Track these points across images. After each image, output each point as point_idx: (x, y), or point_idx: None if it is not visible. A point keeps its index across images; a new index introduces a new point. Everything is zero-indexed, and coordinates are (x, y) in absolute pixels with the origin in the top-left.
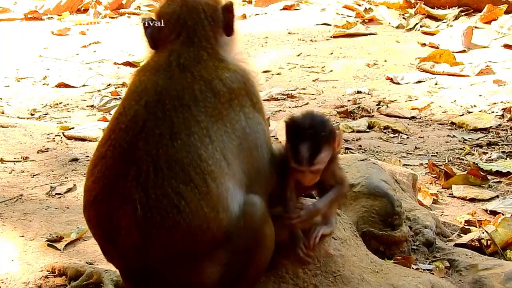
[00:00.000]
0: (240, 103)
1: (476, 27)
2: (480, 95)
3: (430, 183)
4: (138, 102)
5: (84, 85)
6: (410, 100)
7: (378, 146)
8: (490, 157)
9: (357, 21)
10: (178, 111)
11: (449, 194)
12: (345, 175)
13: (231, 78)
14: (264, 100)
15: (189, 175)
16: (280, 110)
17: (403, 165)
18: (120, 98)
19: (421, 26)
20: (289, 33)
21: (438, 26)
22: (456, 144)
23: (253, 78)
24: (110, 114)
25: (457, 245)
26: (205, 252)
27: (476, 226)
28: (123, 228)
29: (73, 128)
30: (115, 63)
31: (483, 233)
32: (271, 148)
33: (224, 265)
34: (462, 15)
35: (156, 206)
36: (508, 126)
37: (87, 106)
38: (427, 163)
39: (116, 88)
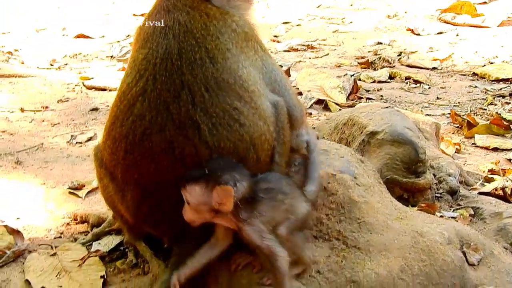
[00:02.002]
0: (253, 46)
1: None
2: (502, 46)
3: (453, 133)
4: (165, 37)
5: (103, 36)
6: (431, 51)
7: (400, 96)
8: None
9: None
10: (208, 39)
11: (472, 143)
12: (278, 251)
13: (240, 23)
14: (284, 50)
15: (238, 93)
16: (300, 61)
17: (425, 115)
18: None
19: None
20: None
21: None
22: (478, 94)
23: (258, 29)
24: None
25: (481, 193)
26: (265, 162)
27: (499, 175)
28: (186, 154)
29: (93, 78)
30: (134, 15)
31: (507, 181)
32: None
33: None
34: None
35: (220, 123)
36: None
37: (106, 56)
38: (449, 113)
39: None
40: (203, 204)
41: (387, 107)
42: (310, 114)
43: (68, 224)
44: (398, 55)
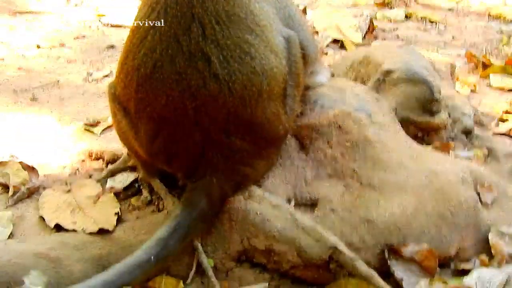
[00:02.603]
0: None
1: None
2: None
3: (468, 73)
4: None
5: None
6: None
7: (416, 36)
8: None
9: None
10: None
11: (487, 84)
12: None
13: None
14: None
15: (249, 26)
16: (317, 0)
17: (441, 55)
18: None
19: None
20: None
21: None
22: (494, 35)
23: None
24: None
25: (495, 134)
26: (278, 95)
27: None
28: (194, 86)
29: (109, 15)
30: None
31: None
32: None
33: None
34: None
35: (231, 56)
36: None
37: None
38: (464, 54)
39: None
40: None
41: (403, 46)
42: (326, 53)
43: (83, 161)
44: None
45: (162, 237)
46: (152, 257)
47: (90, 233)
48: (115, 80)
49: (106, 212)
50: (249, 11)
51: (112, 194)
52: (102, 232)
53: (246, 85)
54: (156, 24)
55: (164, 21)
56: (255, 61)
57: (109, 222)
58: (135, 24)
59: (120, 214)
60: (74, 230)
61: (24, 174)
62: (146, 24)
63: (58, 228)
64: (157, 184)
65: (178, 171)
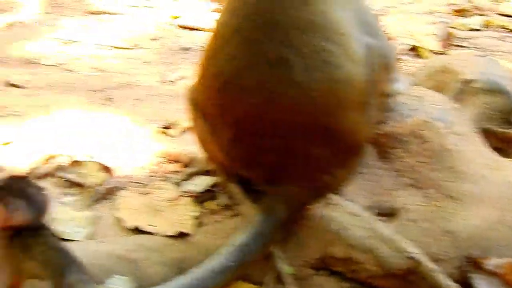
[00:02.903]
0: None
1: None
2: None
3: None
4: None
5: None
6: None
7: (494, 45)
8: None
9: None
10: None
11: None
12: None
13: None
14: None
15: (330, 35)
16: (391, 6)
17: None
18: None
19: None
20: None
21: None
22: None
23: None
24: (222, 5)
25: None
26: (358, 104)
27: None
28: (275, 93)
29: (184, 17)
30: None
31: None
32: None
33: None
34: None
35: (312, 63)
36: None
37: None
38: None
39: None
40: None
41: (482, 56)
42: (402, 60)
43: (159, 163)
44: (493, 3)
45: (241, 243)
46: (231, 263)
47: (168, 236)
48: (194, 85)
49: (184, 216)
50: (330, 19)
51: (190, 198)
52: (180, 235)
53: (326, 93)
54: (237, 31)
55: (246, 27)
56: (335, 69)
57: (187, 225)
58: (216, 29)
59: (198, 217)
60: (152, 233)
61: (101, 175)
62: (228, 30)
63: (136, 230)
64: (235, 189)
65: (256, 177)
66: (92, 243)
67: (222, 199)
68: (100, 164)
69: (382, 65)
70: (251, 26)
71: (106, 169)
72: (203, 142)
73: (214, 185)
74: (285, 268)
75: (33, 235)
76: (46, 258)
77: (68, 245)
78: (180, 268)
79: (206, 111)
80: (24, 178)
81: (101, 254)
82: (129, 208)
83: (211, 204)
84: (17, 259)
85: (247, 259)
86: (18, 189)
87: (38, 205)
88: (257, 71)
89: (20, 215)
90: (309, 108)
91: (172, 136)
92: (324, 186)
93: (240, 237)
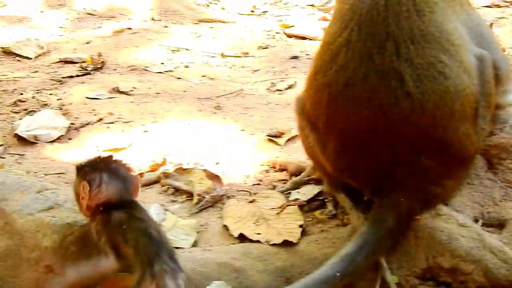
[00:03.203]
0: (459, 0)
1: None
2: None
3: None
4: None
5: None
6: None
7: None
8: None
9: None
10: None
11: None
12: None
13: None
14: (485, 6)
15: (443, 46)
16: (503, 17)
17: None
18: None
19: None
20: None
21: None
22: None
23: None
24: (330, 13)
25: None
26: (470, 115)
27: None
28: (386, 104)
29: (293, 26)
30: None
31: None
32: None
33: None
34: None
35: (424, 74)
36: None
37: (307, 5)
38: None
39: None
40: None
41: None
42: None
43: (266, 171)
44: None
45: (348, 253)
46: (338, 273)
47: (274, 245)
48: (303, 95)
49: (290, 224)
50: (443, 30)
51: (296, 206)
52: (286, 244)
53: (438, 105)
54: (348, 42)
55: (357, 39)
56: (448, 80)
57: (294, 234)
58: (326, 40)
59: (304, 226)
60: (257, 241)
61: (208, 182)
62: (339, 41)
63: (242, 238)
64: (342, 198)
65: (364, 187)
66: (198, 250)
67: (329, 208)
68: (207, 172)
69: (494, 76)
70: (363, 37)
71: (214, 177)
72: (311, 152)
73: (321, 194)
74: (391, 277)
75: (126, 219)
76: (138, 245)
77: (161, 230)
78: (285, 277)
79: (314, 121)
80: (109, 157)
81: (207, 261)
82: (236, 216)
83: (318, 213)
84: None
85: (353, 270)
86: (103, 166)
87: (123, 181)
88: (368, 82)
89: (104, 191)
90: (420, 119)
91: (279, 145)
92: (433, 196)
93: (346, 248)
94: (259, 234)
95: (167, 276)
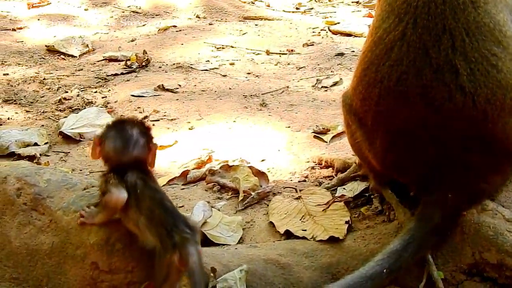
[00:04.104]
0: None
1: None
2: None
3: None
4: None
5: None
6: None
7: None
8: None
9: None
10: None
11: None
12: None
13: None
14: None
15: (497, 38)
16: None
17: None
18: None
19: None
20: None
21: None
22: None
23: None
24: (375, 10)
25: None
26: None
27: None
28: (439, 99)
29: (338, 23)
30: None
31: None
32: None
33: None
34: None
35: (478, 68)
36: None
37: (352, 2)
38: None
39: None
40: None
41: None
42: None
43: (312, 168)
44: None
45: (395, 249)
46: (385, 270)
47: (320, 241)
48: (351, 91)
49: (336, 221)
50: (496, 21)
51: (342, 203)
52: (332, 240)
53: (489, 99)
54: (403, 36)
55: (413, 32)
56: (500, 74)
57: (340, 230)
58: (378, 35)
59: (350, 222)
60: (303, 238)
61: (254, 179)
62: (393, 35)
63: (288, 234)
64: (388, 194)
65: (411, 183)
66: (244, 247)
67: (375, 204)
68: (253, 169)
69: None
70: (419, 31)
71: (260, 174)
72: (357, 148)
73: (367, 191)
74: (437, 273)
75: (141, 185)
76: (153, 215)
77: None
78: (331, 273)
79: (362, 117)
80: (132, 120)
81: (253, 258)
82: (281, 213)
83: (364, 210)
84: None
85: (400, 266)
86: (120, 127)
87: (133, 144)
88: (422, 77)
89: (112, 149)
90: (471, 114)
91: (325, 142)
92: (480, 192)
93: (393, 244)
94: (305, 230)
95: (188, 244)
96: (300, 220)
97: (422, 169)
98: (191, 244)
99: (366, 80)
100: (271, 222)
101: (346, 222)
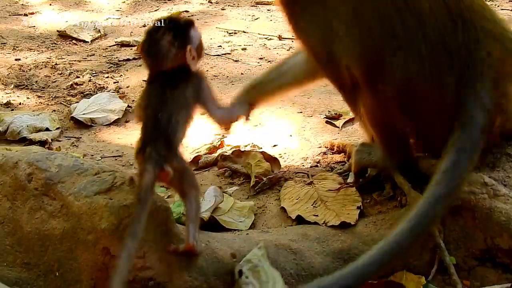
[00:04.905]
0: None
1: None
2: None
3: None
4: None
5: None
6: None
7: None
8: None
9: None
10: None
11: None
12: None
13: None
14: None
15: None
16: None
17: None
18: None
19: None
20: None
21: None
22: None
23: None
24: None
25: None
26: None
27: None
28: None
29: None
30: None
31: None
32: None
33: None
34: None
35: None
36: None
37: None
38: None
39: None
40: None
41: None
42: None
43: (324, 153)
44: None
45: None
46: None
47: (331, 226)
48: None
49: (348, 206)
50: None
51: (354, 188)
52: (343, 225)
53: None
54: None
55: None
56: None
57: (351, 215)
58: None
59: (362, 208)
60: (315, 223)
61: (266, 164)
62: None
63: (299, 220)
64: (400, 180)
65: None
66: (256, 232)
67: (386, 190)
68: (265, 154)
69: None
70: None
71: (272, 159)
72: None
73: (379, 176)
74: (449, 258)
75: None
76: (147, 117)
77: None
78: (343, 259)
79: None
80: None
81: (264, 244)
82: (293, 198)
83: (376, 195)
84: None
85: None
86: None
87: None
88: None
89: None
90: None
91: (337, 127)
92: None
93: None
94: (316, 215)
95: (149, 162)
96: (312, 205)
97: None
98: (152, 164)
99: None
100: (282, 208)
101: (358, 208)
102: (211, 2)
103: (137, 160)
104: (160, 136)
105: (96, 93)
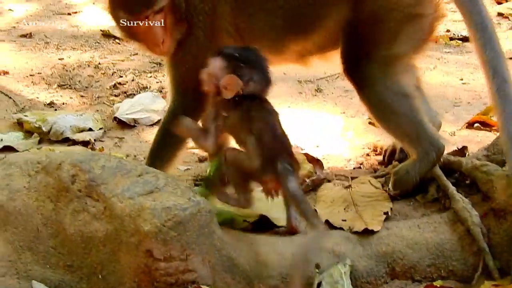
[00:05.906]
0: None
1: None
2: None
3: None
4: None
5: None
6: None
7: None
8: None
9: None
10: None
11: None
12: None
13: None
14: None
15: None
16: None
17: None
18: None
19: None
20: None
21: None
22: None
23: None
24: None
25: None
26: None
27: None
28: None
29: None
30: None
31: None
32: None
33: None
34: None
35: None
36: None
37: None
38: None
39: None
40: (215, 76)
41: None
42: None
43: (367, 155)
44: None
45: None
46: None
47: (355, 232)
48: None
49: (376, 212)
50: None
51: (386, 193)
52: (366, 232)
53: None
54: None
55: None
56: None
57: (376, 222)
58: None
59: (389, 214)
60: (340, 228)
61: (309, 166)
62: None
63: (328, 224)
64: (443, 182)
65: None
66: (298, 235)
67: (431, 192)
68: (308, 155)
69: None
70: None
71: (315, 160)
72: None
73: (422, 178)
74: (492, 262)
75: (256, 107)
76: (261, 136)
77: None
78: (386, 262)
79: None
80: (254, 49)
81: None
82: (328, 201)
83: (419, 197)
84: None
85: None
86: (252, 60)
87: (266, 80)
88: None
89: (252, 86)
90: None
91: (380, 128)
92: None
93: None
94: (344, 220)
95: (288, 173)
96: (344, 209)
97: None
98: (290, 174)
99: None
100: (315, 210)
101: (385, 213)
102: None
103: (263, 178)
104: (285, 151)
105: (139, 93)
